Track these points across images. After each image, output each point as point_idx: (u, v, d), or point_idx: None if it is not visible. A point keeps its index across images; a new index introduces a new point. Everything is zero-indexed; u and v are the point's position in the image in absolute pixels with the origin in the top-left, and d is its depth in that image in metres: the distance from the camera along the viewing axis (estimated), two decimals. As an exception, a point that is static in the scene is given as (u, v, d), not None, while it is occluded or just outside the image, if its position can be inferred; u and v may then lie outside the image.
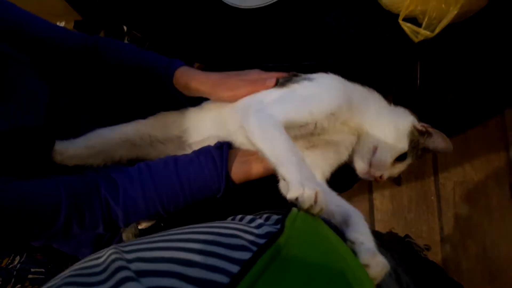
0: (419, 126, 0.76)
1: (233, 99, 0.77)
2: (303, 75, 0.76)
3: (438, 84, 1.67)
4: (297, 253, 0.40)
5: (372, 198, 1.76)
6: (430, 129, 0.77)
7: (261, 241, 0.42)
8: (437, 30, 0.77)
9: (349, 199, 0.67)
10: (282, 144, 0.60)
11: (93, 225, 0.68)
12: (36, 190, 0.63)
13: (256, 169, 0.73)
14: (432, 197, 1.69)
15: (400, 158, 0.74)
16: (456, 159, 1.71)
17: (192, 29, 0.99)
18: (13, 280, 1.42)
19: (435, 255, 1.63)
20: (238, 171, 0.73)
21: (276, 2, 0.91)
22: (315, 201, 0.49)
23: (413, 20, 0.81)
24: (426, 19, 0.78)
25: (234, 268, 0.36)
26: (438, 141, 0.77)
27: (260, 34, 0.94)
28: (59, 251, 1.03)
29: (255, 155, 0.72)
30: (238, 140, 0.77)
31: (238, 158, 0.74)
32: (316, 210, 0.49)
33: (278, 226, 0.43)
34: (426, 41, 0.79)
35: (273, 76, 0.76)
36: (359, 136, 0.75)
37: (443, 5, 0.76)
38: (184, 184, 0.70)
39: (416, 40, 0.80)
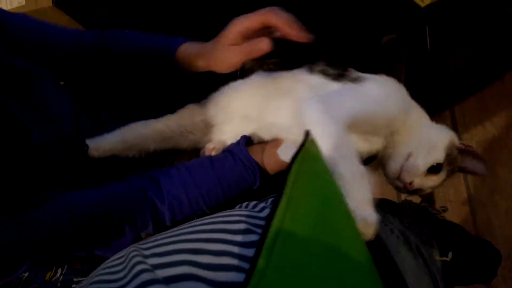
0: (458, 143, 0.76)
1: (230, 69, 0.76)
2: (360, 74, 0.74)
3: (449, 45, 1.65)
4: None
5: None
6: (470, 149, 0.76)
7: (260, 222, 0.44)
8: None
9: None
10: (344, 146, 0.56)
11: (144, 226, 0.72)
12: (90, 201, 0.67)
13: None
14: (456, 159, 1.69)
15: (434, 170, 0.72)
16: (475, 118, 1.70)
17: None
18: (58, 291, 1.49)
19: (465, 216, 1.64)
20: (270, 162, 0.75)
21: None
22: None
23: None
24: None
25: (241, 251, 0.38)
26: (475, 162, 0.76)
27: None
28: (98, 258, 1.07)
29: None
30: (272, 133, 0.78)
31: (267, 151, 0.75)
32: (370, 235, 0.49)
33: None
34: (432, 5, 0.79)
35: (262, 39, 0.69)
36: (394, 143, 0.73)
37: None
38: (222, 182, 0.72)
39: (422, 4, 0.80)
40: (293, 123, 0.72)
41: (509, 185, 1.60)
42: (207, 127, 0.87)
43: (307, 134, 0.49)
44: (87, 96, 0.92)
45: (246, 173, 0.73)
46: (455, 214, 1.66)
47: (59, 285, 1.50)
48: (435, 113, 1.75)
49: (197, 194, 0.71)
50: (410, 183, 0.71)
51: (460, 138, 1.66)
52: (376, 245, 0.52)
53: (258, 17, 0.67)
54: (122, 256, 0.41)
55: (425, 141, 0.72)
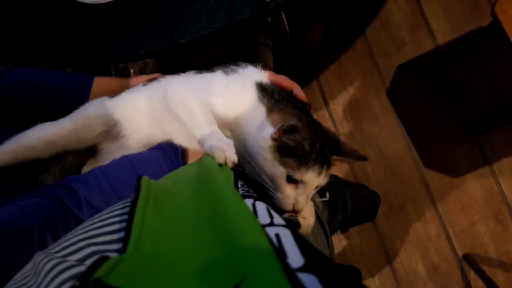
0: (272, 136, 0.62)
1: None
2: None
3: (304, 24, 1.82)
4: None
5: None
6: (277, 116, 0.65)
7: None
8: None
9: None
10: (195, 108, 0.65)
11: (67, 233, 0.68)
12: (5, 221, 0.62)
13: None
14: (329, 123, 1.89)
15: (291, 180, 0.62)
16: (338, 84, 1.91)
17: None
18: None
19: (343, 168, 1.85)
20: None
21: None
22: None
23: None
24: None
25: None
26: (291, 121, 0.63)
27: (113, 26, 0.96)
28: None
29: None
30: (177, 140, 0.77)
31: (190, 150, 0.75)
32: (229, 164, 0.54)
33: None
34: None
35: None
36: None
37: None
38: None
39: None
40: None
41: (373, 136, 1.85)
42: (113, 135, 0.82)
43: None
44: None
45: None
46: (335, 167, 1.85)
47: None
48: (305, 86, 1.93)
49: (116, 199, 0.66)
50: (297, 210, 0.63)
51: (327, 104, 1.89)
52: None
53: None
54: (26, 266, 0.40)
55: (260, 165, 0.64)
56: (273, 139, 0.61)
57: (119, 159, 0.73)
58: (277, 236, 0.35)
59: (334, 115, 1.89)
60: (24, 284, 0.36)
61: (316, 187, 0.64)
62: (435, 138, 1.80)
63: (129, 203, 0.42)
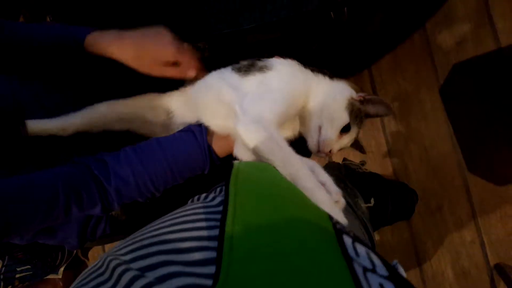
0: (356, 97, 0.79)
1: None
2: (264, 62, 0.78)
3: (364, 13, 1.77)
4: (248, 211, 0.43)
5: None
6: (368, 97, 0.80)
7: (216, 209, 0.48)
8: None
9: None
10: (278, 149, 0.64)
11: (91, 205, 0.71)
12: (34, 182, 0.65)
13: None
14: (375, 114, 1.85)
15: (345, 129, 0.77)
16: (390, 76, 1.86)
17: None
18: (1, 283, 1.44)
19: (385, 165, 1.83)
20: (220, 144, 0.76)
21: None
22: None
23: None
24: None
25: (207, 243, 0.41)
26: (377, 106, 0.80)
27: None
28: (41, 246, 1.03)
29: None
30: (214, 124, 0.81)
31: (217, 134, 0.78)
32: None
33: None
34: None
35: (193, 65, 0.79)
36: (305, 119, 0.79)
37: None
38: (169, 160, 0.73)
39: None
40: (227, 124, 0.78)
41: (420, 134, 1.81)
42: (167, 123, 0.89)
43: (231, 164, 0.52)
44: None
45: (194, 152, 0.74)
46: (376, 163, 1.84)
47: (1, 276, 1.45)
48: (355, 73, 1.89)
49: (144, 174, 0.72)
50: (330, 151, 0.77)
51: (377, 94, 1.85)
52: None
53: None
54: (100, 267, 0.40)
55: (328, 109, 0.76)
56: (353, 99, 0.78)
57: (148, 140, 0.78)
58: (381, 286, 0.34)
59: (381, 107, 1.86)
60: (98, 285, 0.37)
61: (348, 143, 0.80)
62: (484, 143, 1.74)
63: (211, 209, 0.43)
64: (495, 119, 1.73)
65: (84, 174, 0.69)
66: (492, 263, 1.67)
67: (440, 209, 1.75)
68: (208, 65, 0.86)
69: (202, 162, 0.76)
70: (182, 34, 0.95)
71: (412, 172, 1.80)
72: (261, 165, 0.58)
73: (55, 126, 0.79)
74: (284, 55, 0.81)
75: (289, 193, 0.51)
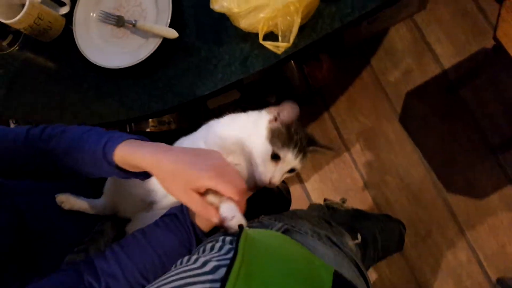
0: (268, 120, 0.77)
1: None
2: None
3: (310, 58, 1.86)
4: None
5: (299, 173, 1.92)
6: (277, 109, 0.77)
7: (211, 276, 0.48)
8: (291, 39, 0.84)
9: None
10: None
11: None
12: None
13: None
14: (345, 153, 1.89)
15: (275, 158, 0.74)
16: (349, 115, 1.93)
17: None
18: None
19: (366, 200, 1.84)
20: (201, 219, 0.75)
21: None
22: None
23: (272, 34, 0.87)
24: (280, 34, 0.85)
25: None
26: (285, 112, 0.76)
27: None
28: None
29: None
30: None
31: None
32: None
33: (228, 256, 0.50)
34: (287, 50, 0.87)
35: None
36: (245, 160, 0.78)
37: (288, 18, 0.83)
38: (155, 246, 0.73)
39: (279, 52, 0.86)
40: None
41: (391, 164, 1.84)
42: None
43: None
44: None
45: (178, 232, 0.74)
46: (357, 199, 1.85)
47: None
48: (316, 119, 1.95)
49: (133, 269, 0.71)
50: (272, 182, 0.75)
51: (341, 135, 1.90)
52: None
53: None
54: None
55: (252, 149, 0.76)
56: (269, 122, 0.76)
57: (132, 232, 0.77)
58: None
59: (349, 145, 1.91)
60: None
61: (290, 170, 0.76)
62: (453, 161, 1.78)
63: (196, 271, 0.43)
64: (457, 136, 1.79)
65: (74, 283, 0.69)
66: (493, 278, 1.64)
67: (430, 234, 1.74)
68: (176, 136, 0.88)
69: (188, 242, 0.74)
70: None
71: (393, 202, 1.80)
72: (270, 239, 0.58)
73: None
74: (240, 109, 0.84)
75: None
